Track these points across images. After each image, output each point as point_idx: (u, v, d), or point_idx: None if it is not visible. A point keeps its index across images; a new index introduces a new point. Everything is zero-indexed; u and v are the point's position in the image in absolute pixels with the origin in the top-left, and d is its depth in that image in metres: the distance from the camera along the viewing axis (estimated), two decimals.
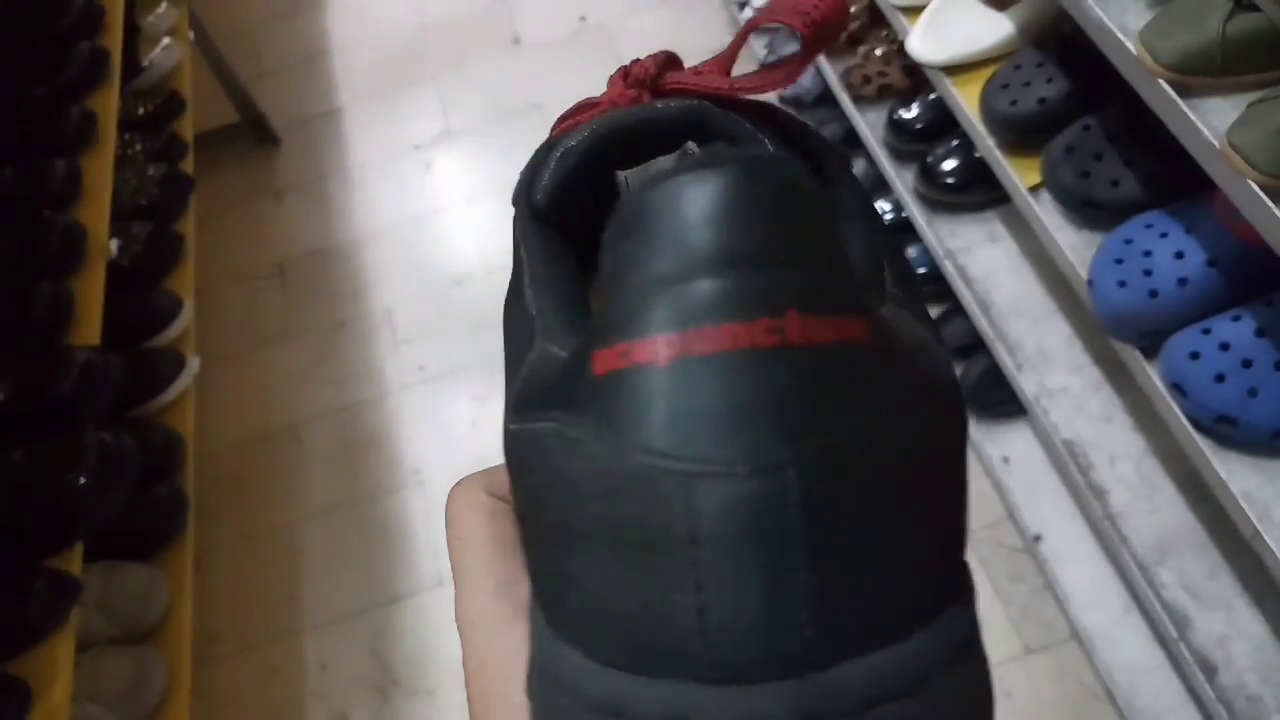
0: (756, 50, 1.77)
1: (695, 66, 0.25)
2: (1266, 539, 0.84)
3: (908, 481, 0.17)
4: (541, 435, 0.19)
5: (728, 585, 0.16)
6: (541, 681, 0.19)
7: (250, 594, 1.52)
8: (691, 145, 0.24)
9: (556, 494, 0.18)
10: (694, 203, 0.17)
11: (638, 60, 0.25)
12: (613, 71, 0.25)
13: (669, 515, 0.16)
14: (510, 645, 0.21)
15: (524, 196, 0.25)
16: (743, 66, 0.24)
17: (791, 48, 1.72)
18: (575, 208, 0.24)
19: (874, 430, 0.17)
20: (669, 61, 0.25)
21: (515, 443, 0.20)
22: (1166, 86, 0.80)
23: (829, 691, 0.16)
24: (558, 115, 0.27)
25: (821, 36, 0.22)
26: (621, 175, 0.25)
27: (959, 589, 0.18)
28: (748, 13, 1.83)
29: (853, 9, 1.51)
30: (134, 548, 1.27)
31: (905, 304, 0.22)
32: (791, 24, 0.22)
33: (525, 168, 0.25)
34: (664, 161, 0.25)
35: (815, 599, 0.16)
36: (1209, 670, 1.00)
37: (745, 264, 0.16)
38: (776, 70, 0.24)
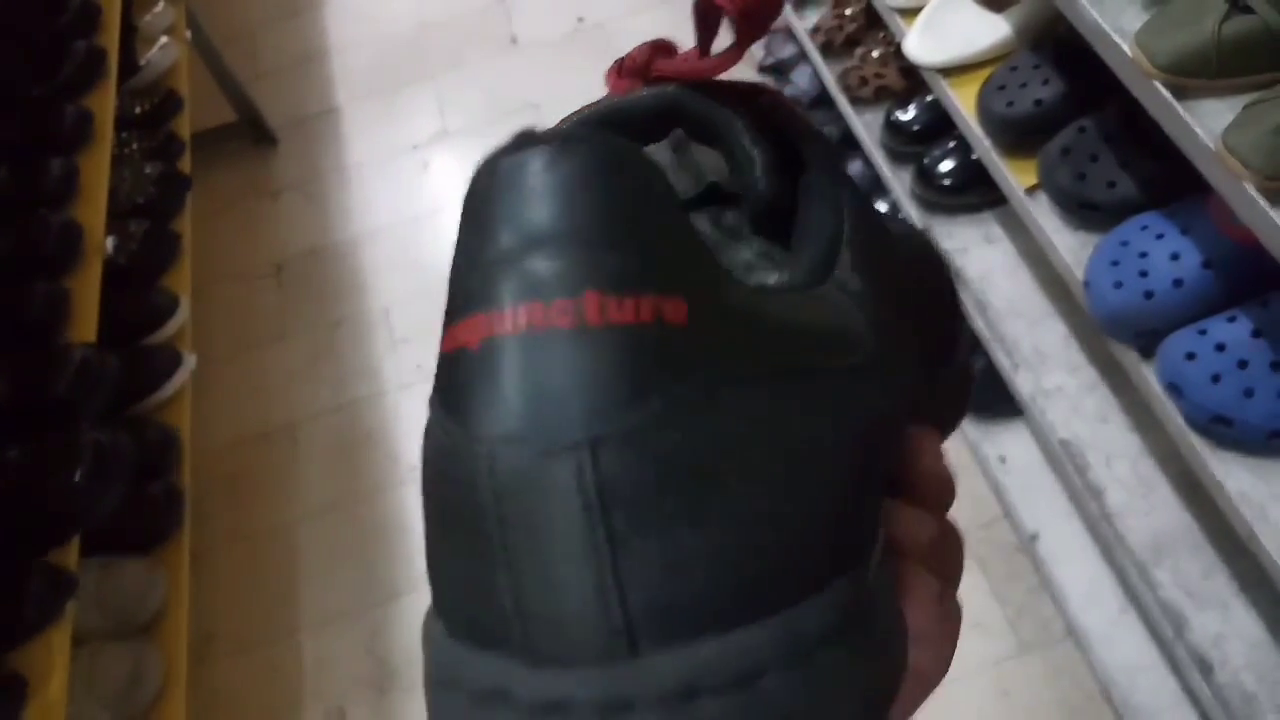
0: (754, 50, 1.77)
1: (685, 52, 0.25)
2: (1262, 539, 0.84)
3: (738, 464, 0.16)
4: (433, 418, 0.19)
5: (535, 567, 0.16)
6: (423, 654, 0.19)
7: (247, 592, 1.52)
8: (679, 132, 0.24)
9: (421, 474, 0.19)
10: (501, 185, 0.17)
11: (631, 51, 0.25)
12: (596, 72, 0.25)
13: (479, 496, 0.16)
14: None
15: None
16: (742, 65, 0.24)
17: (789, 49, 1.72)
18: None
19: (684, 411, 0.16)
20: (659, 49, 0.25)
21: None
22: (1162, 88, 0.81)
23: (640, 679, 0.15)
24: (555, 116, 0.27)
25: (749, 16, 0.22)
26: None
27: (821, 582, 0.17)
28: None
29: (850, 10, 1.51)
30: (130, 545, 1.27)
31: (854, 291, 0.22)
32: (722, 5, 0.22)
33: None
34: (653, 151, 0.24)
35: (622, 584, 0.15)
36: (1205, 669, 1.00)
37: (547, 245, 0.16)
38: (729, 52, 0.24)
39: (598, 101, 0.25)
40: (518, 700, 0.16)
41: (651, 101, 0.24)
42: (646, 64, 0.25)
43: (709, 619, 0.16)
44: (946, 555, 0.24)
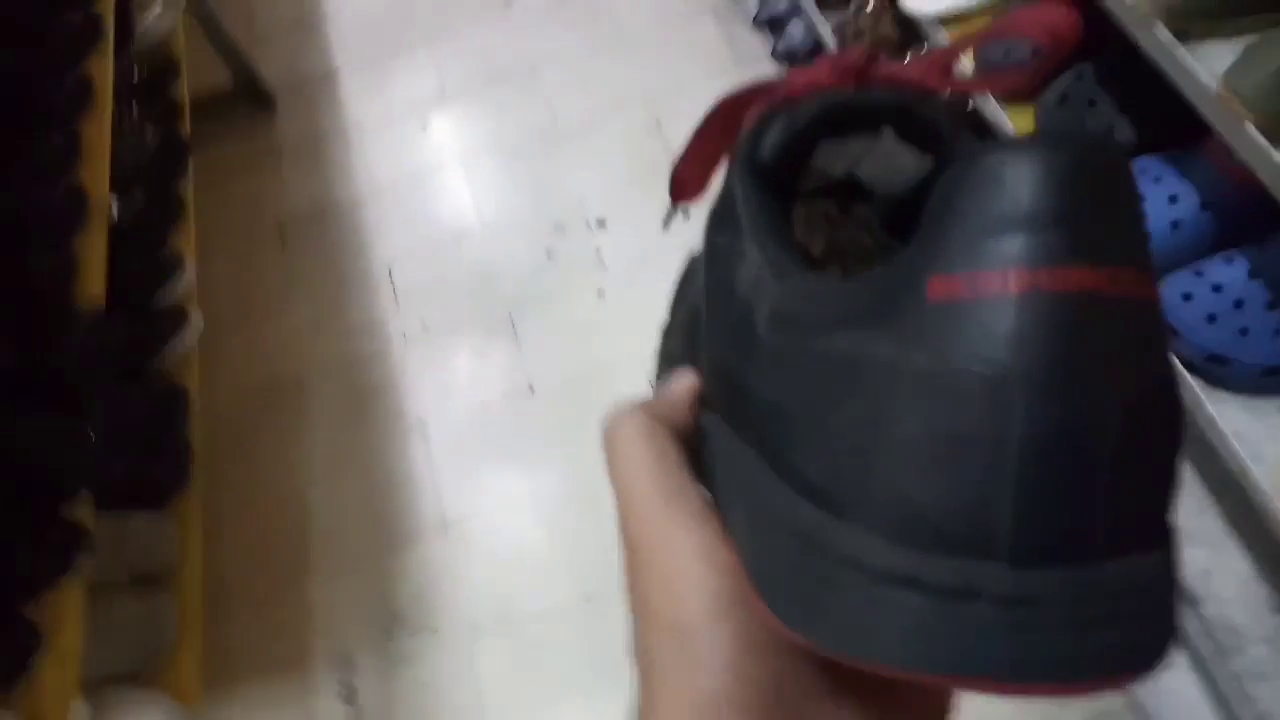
0: (748, 5, 1.76)
1: (913, 61, 0.28)
2: (1255, 476, 0.85)
3: (1176, 427, 0.20)
4: (838, 350, 0.21)
5: (1047, 488, 0.18)
6: (818, 561, 0.21)
7: (257, 541, 1.55)
8: (888, 129, 0.27)
9: (865, 399, 0.20)
10: (1058, 165, 0.19)
11: (844, 51, 0.29)
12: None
13: (1006, 423, 0.18)
14: (698, 540, 0.25)
15: (746, 155, 0.28)
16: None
17: (784, 3, 1.71)
18: (784, 166, 0.28)
19: (1168, 379, 0.20)
20: (875, 55, 0.28)
21: (803, 353, 0.23)
22: (1163, 30, 0.81)
23: (1100, 580, 0.19)
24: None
25: (1059, 51, 0.25)
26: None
27: (1175, 526, 0.21)
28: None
29: None
30: (142, 499, 1.29)
31: None
32: (1039, 39, 0.24)
33: (746, 134, 0.28)
34: (859, 140, 0.28)
35: (1110, 512, 0.18)
36: (1193, 602, 1.02)
37: (1096, 220, 0.19)
38: (994, 77, 0.26)
39: (842, 91, 0.28)
40: (991, 595, 0.18)
41: (891, 101, 0.27)
42: (865, 66, 0.28)
43: (1146, 541, 0.19)
44: None
